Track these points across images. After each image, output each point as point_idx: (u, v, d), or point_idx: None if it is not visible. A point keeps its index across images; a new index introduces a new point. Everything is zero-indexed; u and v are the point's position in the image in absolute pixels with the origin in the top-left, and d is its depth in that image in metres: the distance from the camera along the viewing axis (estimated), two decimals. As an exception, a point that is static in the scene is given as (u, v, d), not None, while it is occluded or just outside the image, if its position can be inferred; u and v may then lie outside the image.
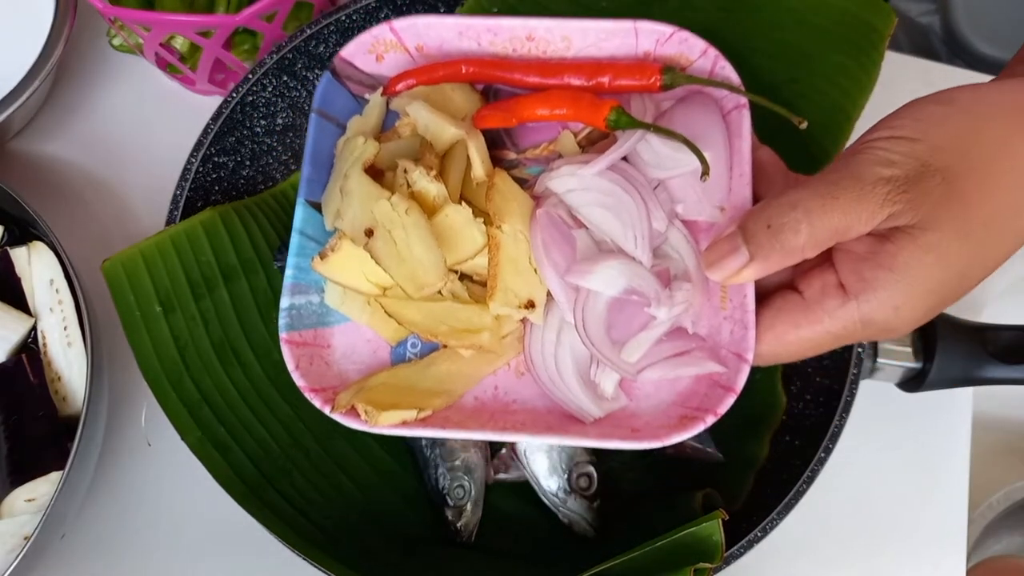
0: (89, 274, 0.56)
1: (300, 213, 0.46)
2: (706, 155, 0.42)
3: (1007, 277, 0.68)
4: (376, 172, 0.46)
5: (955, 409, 0.64)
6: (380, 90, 0.49)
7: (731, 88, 0.45)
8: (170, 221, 0.56)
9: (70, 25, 0.63)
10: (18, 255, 0.57)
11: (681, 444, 0.55)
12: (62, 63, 0.65)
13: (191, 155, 0.57)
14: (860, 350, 0.54)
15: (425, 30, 0.49)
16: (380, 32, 0.49)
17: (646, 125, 0.44)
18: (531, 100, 0.46)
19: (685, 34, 0.47)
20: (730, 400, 0.41)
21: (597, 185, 0.43)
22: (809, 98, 0.57)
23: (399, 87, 0.48)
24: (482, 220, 0.43)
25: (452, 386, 0.44)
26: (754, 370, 0.57)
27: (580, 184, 0.44)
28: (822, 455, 0.51)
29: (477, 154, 0.45)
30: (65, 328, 0.55)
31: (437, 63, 0.48)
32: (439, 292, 0.44)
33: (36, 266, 0.56)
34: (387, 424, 0.41)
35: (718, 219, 0.44)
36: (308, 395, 0.43)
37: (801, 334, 0.39)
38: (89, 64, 0.71)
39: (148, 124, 0.70)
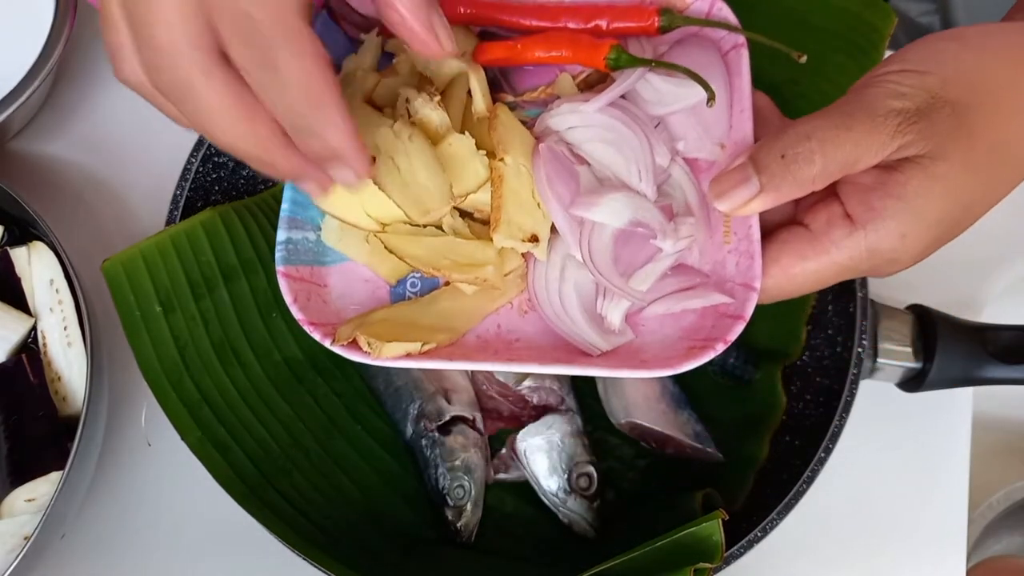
0: (89, 274, 0.56)
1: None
2: (701, 91, 0.42)
3: (1007, 277, 0.68)
4: (375, 108, 0.45)
5: (955, 409, 0.64)
6: (376, 30, 0.48)
7: (728, 27, 0.45)
8: (170, 221, 0.56)
9: (70, 25, 0.63)
10: (18, 255, 0.57)
11: (681, 444, 0.56)
12: (62, 63, 0.65)
13: (191, 155, 0.57)
14: (860, 350, 0.54)
15: None
16: None
17: (646, 62, 0.44)
18: (530, 42, 0.45)
19: None
20: (739, 328, 0.40)
21: (599, 121, 0.43)
22: (809, 98, 0.57)
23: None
24: (484, 153, 0.43)
25: (454, 323, 0.43)
26: (755, 371, 0.57)
27: (581, 121, 0.43)
28: (822, 455, 0.51)
29: (479, 86, 0.44)
30: (65, 328, 0.55)
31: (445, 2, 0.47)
32: (441, 228, 0.43)
33: (36, 266, 0.56)
34: (391, 356, 0.40)
35: (719, 156, 0.44)
36: (308, 328, 0.42)
37: (807, 266, 0.39)
38: (89, 64, 0.71)
39: (148, 124, 0.69)
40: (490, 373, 0.57)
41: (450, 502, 0.54)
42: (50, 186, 0.67)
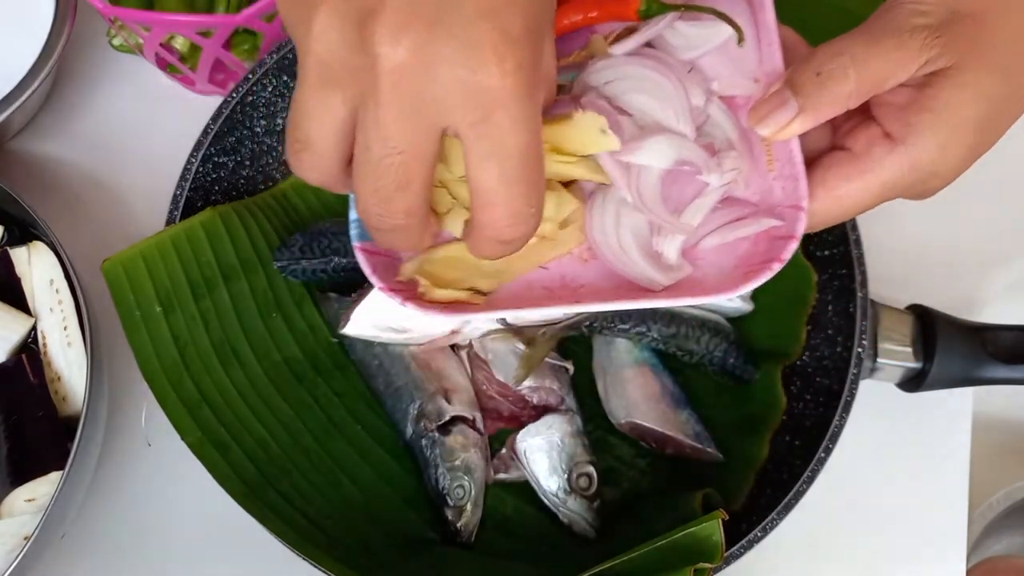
0: (89, 274, 0.56)
1: None
2: (728, 29, 0.43)
3: (1007, 277, 0.68)
4: None
5: (955, 409, 0.64)
6: None
7: None
8: (170, 221, 0.56)
9: (70, 25, 0.63)
10: (18, 255, 0.57)
11: (681, 444, 0.56)
12: (62, 63, 0.65)
13: (191, 155, 0.57)
14: (860, 350, 0.54)
15: None
16: None
17: (676, 7, 0.45)
18: (561, 11, 0.46)
19: None
20: (792, 247, 0.41)
21: (633, 73, 0.44)
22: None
23: None
24: None
25: (513, 264, 0.43)
26: (754, 371, 0.57)
27: (616, 75, 0.45)
28: (822, 455, 0.51)
29: None
30: (65, 328, 0.55)
31: None
32: None
33: (36, 266, 0.56)
34: (440, 300, 0.41)
35: (753, 91, 0.45)
36: (389, 294, 0.41)
37: (852, 187, 0.40)
38: (89, 64, 0.71)
39: (148, 124, 0.70)
40: (490, 373, 0.57)
41: (450, 502, 0.54)
42: (50, 186, 0.67)
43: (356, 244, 0.42)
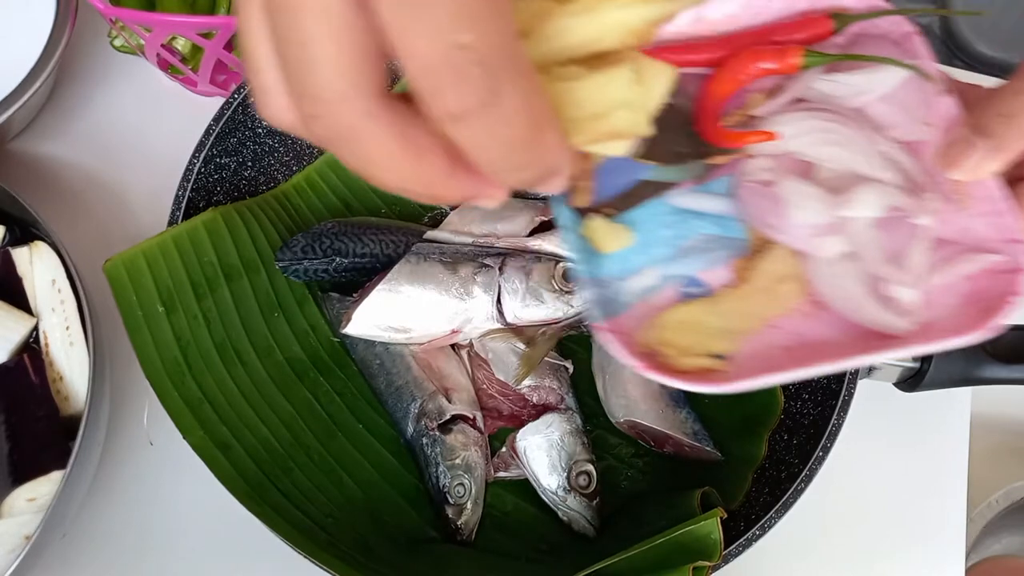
0: (91, 274, 0.56)
1: (565, 213, 0.43)
2: (896, 74, 0.44)
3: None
4: None
5: (954, 409, 0.64)
6: None
7: (892, 13, 0.46)
8: (172, 221, 0.56)
9: (71, 26, 0.63)
10: (20, 255, 0.57)
11: (679, 443, 0.56)
12: (63, 64, 0.66)
13: (193, 156, 0.57)
14: (859, 349, 0.54)
15: None
16: None
17: (840, 56, 0.45)
18: (717, 75, 0.46)
19: None
20: (1022, 278, 0.41)
21: (814, 127, 0.45)
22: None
23: None
24: None
25: (735, 322, 0.43)
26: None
27: (796, 130, 0.45)
28: (820, 454, 0.52)
29: None
30: (67, 328, 0.55)
31: None
32: None
33: (38, 266, 0.57)
34: (690, 367, 0.39)
35: (927, 135, 0.45)
36: (651, 372, 0.39)
37: None
38: (90, 65, 0.71)
39: (149, 125, 0.70)
40: (490, 372, 0.57)
41: (450, 500, 0.54)
42: (51, 186, 0.67)
43: (598, 325, 0.39)
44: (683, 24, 0.49)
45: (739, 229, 0.45)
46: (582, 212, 0.43)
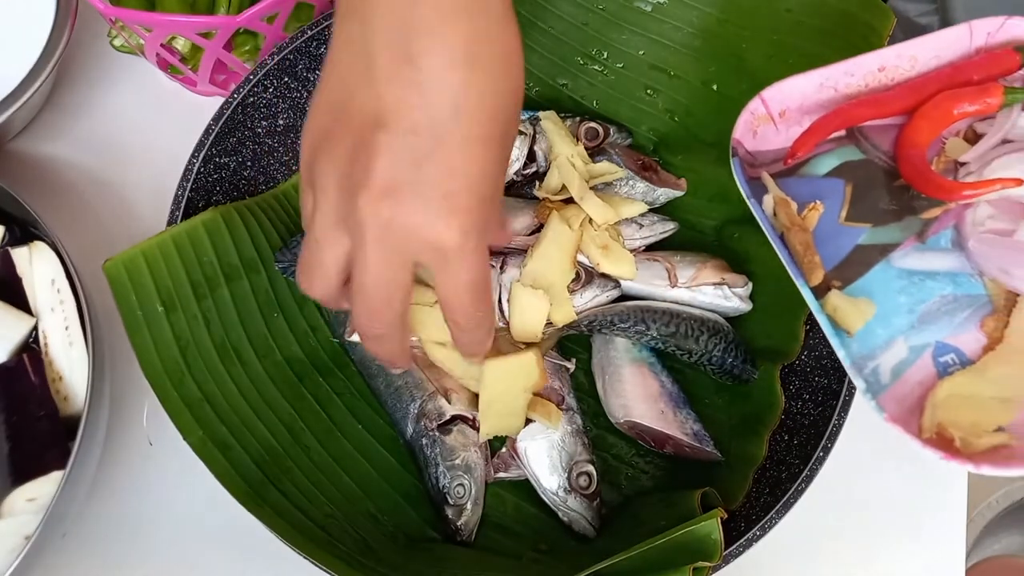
0: (91, 274, 0.56)
1: (809, 296, 0.42)
2: None
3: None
4: None
5: (954, 409, 0.64)
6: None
7: None
8: (172, 221, 0.56)
9: (71, 26, 0.63)
10: (19, 255, 0.57)
11: (680, 443, 0.56)
12: (63, 64, 0.66)
13: (192, 155, 0.57)
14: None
15: (790, 92, 0.47)
16: (755, 107, 0.47)
17: None
18: (916, 122, 0.46)
19: (1015, 19, 0.47)
20: None
21: None
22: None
23: (800, 153, 0.47)
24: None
25: (1018, 388, 0.40)
26: (753, 370, 0.57)
27: (1019, 173, 0.43)
28: (821, 454, 0.52)
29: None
30: (67, 328, 0.55)
31: (828, 116, 0.47)
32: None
33: (37, 266, 0.57)
34: (986, 446, 0.37)
35: None
36: (933, 451, 0.38)
37: None
38: (90, 65, 0.71)
39: (149, 125, 0.70)
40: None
41: (450, 500, 0.54)
42: (51, 186, 0.67)
43: (883, 417, 0.39)
44: (867, 73, 0.48)
45: (976, 285, 0.43)
46: (818, 293, 0.41)
